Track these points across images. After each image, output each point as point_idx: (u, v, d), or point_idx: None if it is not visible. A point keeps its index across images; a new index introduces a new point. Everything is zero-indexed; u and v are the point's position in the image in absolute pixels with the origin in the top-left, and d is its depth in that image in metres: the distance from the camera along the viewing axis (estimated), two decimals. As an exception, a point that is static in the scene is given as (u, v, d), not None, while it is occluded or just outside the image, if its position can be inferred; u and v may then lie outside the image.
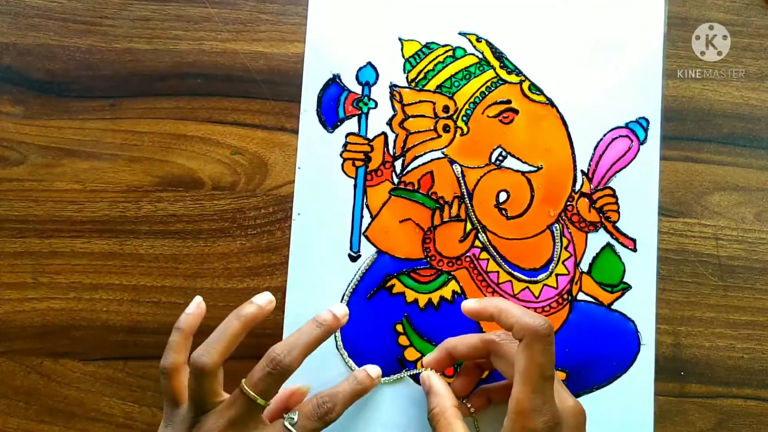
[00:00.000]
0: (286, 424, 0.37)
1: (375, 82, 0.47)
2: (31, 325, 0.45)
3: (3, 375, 0.45)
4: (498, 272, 0.46)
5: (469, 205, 0.46)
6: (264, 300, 0.40)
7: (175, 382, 0.38)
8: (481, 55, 0.47)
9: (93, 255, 0.45)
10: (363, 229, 0.46)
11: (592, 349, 0.45)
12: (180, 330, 0.39)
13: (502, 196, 0.46)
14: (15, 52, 0.47)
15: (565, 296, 0.46)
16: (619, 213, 0.46)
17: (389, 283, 0.46)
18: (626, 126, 0.47)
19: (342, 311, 0.41)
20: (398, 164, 0.46)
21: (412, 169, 0.46)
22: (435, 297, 0.46)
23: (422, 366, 0.43)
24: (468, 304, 0.41)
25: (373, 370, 0.42)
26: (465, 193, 0.46)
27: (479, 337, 0.41)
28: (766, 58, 0.48)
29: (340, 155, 0.46)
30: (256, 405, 0.37)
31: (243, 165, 0.46)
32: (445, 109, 0.47)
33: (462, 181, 0.46)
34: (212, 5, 0.47)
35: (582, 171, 0.47)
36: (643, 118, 0.47)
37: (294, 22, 0.47)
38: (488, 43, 0.47)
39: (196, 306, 0.41)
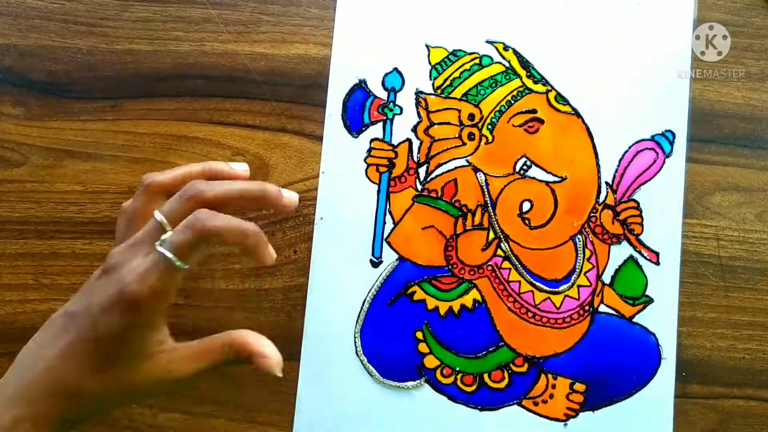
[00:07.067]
0: (156, 244, 0.32)
1: (401, 89, 0.47)
2: (32, 327, 0.44)
3: (4, 376, 0.45)
4: (519, 282, 0.46)
5: (492, 213, 0.46)
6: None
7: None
8: (507, 64, 0.47)
9: (94, 256, 0.45)
10: (385, 235, 0.46)
11: (613, 362, 0.45)
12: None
13: (526, 206, 0.46)
14: (16, 54, 0.47)
15: (587, 308, 0.45)
16: (642, 226, 0.46)
17: (410, 290, 0.46)
18: (652, 138, 0.47)
19: (292, 196, 0.36)
20: (422, 171, 0.46)
21: (436, 176, 0.46)
22: (456, 305, 0.45)
23: None
24: None
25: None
26: (488, 202, 0.46)
27: None
28: (767, 58, 0.48)
29: (364, 160, 0.46)
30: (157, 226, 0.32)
31: (244, 166, 0.46)
32: (471, 117, 0.47)
33: (486, 190, 0.46)
34: (213, 6, 0.47)
35: (606, 183, 0.46)
36: (669, 131, 0.47)
37: (295, 23, 0.47)
38: (515, 52, 0.47)
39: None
